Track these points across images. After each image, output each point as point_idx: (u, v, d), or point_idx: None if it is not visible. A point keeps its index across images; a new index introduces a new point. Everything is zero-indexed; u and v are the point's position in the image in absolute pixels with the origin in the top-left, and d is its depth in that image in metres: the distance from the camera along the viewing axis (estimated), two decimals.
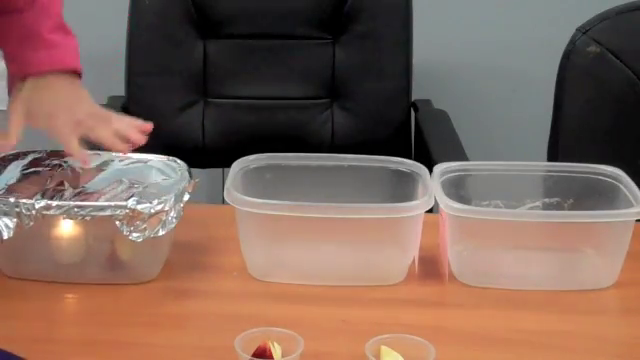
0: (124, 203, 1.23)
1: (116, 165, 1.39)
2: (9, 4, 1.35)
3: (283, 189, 1.35)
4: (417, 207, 1.28)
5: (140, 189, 1.34)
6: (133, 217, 1.23)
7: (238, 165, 1.38)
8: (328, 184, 1.38)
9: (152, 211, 1.23)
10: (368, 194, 1.37)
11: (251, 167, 1.39)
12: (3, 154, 1.37)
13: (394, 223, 1.30)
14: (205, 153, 2.24)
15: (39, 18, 1.36)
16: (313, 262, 1.33)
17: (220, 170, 2.32)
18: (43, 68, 1.35)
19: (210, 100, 2.23)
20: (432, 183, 1.33)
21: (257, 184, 1.37)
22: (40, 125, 1.35)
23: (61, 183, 1.36)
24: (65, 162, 1.38)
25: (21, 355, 1.11)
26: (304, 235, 1.32)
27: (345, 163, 1.41)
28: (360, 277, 1.31)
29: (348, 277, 1.31)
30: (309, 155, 1.42)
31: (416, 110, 2.28)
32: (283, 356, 1.08)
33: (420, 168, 1.37)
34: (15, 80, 1.37)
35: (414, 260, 1.31)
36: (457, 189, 1.36)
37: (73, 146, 1.34)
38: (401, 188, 1.37)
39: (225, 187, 1.30)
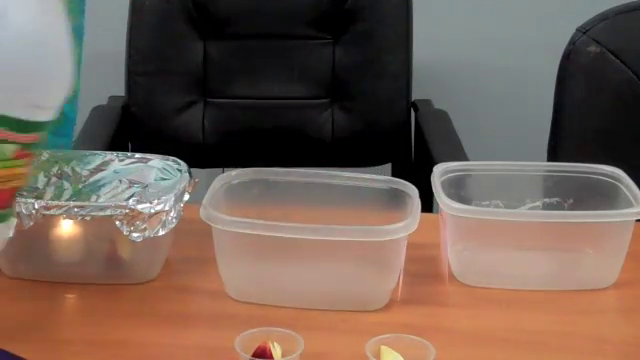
0: (124, 203, 1.23)
1: (116, 165, 1.38)
2: None
3: (270, 205, 1.31)
4: (397, 230, 1.21)
5: (140, 189, 1.34)
6: (133, 217, 1.23)
7: (220, 181, 1.33)
8: (318, 200, 1.32)
9: (152, 211, 1.23)
10: (357, 212, 1.31)
11: (234, 182, 1.34)
12: None
13: (374, 246, 1.22)
14: (205, 153, 2.24)
15: None
16: (290, 284, 1.26)
17: (220, 170, 2.32)
18: None
19: (210, 100, 2.23)
20: (434, 187, 1.30)
21: (243, 200, 1.31)
22: None
23: (61, 183, 1.36)
24: (65, 162, 1.38)
25: (21, 355, 1.11)
26: (282, 256, 1.25)
27: (334, 181, 1.34)
28: (338, 302, 1.25)
29: (324, 301, 1.25)
30: (297, 171, 1.35)
31: (416, 110, 2.28)
32: (283, 356, 1.08)
33: (410, 188, 1.30)
34: None
35: (398, 284, 1.26)
36: (457, 189, 1.36)
37: None
38: (391, 207, 1.30)
39: (202, 204, 1.25)
